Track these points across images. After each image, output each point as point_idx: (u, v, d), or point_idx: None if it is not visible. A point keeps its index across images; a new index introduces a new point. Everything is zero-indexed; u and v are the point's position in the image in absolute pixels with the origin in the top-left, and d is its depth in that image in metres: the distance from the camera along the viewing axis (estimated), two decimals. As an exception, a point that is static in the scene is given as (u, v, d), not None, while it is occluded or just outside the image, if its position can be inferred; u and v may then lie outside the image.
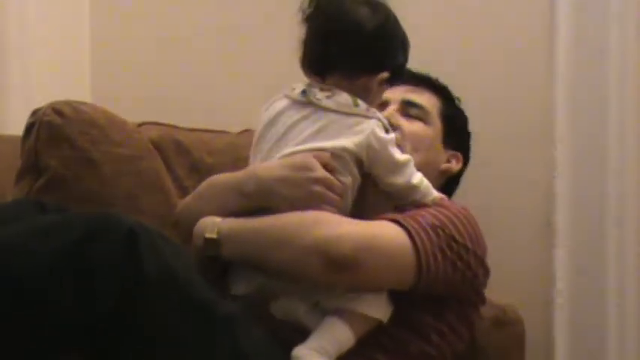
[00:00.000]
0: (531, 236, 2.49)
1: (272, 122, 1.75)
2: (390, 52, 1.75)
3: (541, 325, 2.43)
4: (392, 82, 1.79)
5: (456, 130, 2.04)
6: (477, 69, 2.50)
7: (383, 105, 1.95)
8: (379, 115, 1.74)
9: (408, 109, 1.97)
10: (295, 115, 1.72)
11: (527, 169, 2.50)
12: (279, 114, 1.74)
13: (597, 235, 2.42)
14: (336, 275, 1.60)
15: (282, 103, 1.75)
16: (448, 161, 2.02)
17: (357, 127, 1.70)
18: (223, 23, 2.61)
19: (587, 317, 2.43)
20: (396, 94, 1.98)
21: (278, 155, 1.71)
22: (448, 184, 2.03)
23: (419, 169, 1.77)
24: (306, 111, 1.72)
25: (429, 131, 1.97)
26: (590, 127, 2.43)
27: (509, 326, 2.22)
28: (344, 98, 1.71)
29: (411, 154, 1.79)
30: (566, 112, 2.43)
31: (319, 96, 1.71)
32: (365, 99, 1.73)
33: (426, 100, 2.00)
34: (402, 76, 1.81)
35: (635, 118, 2.41)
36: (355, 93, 1.73)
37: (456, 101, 2.08)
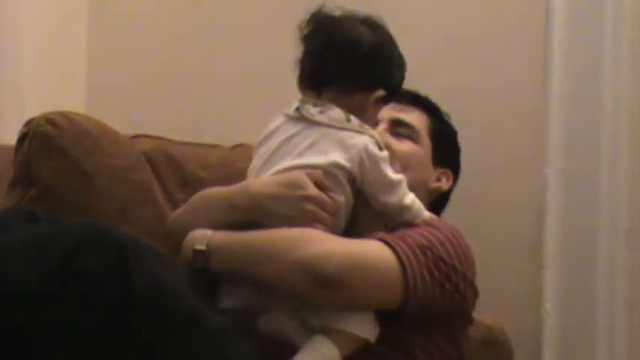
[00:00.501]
0: (520, 257, 2.49)
1: (267, 138, 1.77)
2: (387, 70, 1.77)
3: (529, 346, 2.43)
4: (388, 100, 1.80)
5: (445, 148, 2.04)
6: (469, 90, 2.51)
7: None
8: (372, 131, 1.75)
9: (397, 128, 1.97)
10: (289, 130, 1.73)
11: (517, 190, 2.51)
12: (275, 130, 1.76)
13: (587, 256, 2.43)
14: (323, 292, 1.61)
15: (278, 120, 1.77)
16: (438, 179, 2.02)
17: (349, 141, 1.71)
18: (218, 38, 2.62)
19: (576, 338, 2.43)
20: (384, 112, 1.97)
21: (271, 171, 1.72)
22: (438, 201, 2.03)
23: (409, 189, 1.77)
24: (299, 126, 1.73)
25: (418, 150, 1.97)
26: (582, 149, 2.44)
27: (497, 347, 2.21)
28: (336, 113, 1.72)
29: (400, 173, 1.80)
30: (558, 135, 2.44)
31: (312, 111, 1.73)
32: (360, 116, 1.74)
33: (415, 118, 2.00)
34: (397, 95, 1.82)
35: (627, 140, 2.42)
36: (351, 110, 1.74)
37: (445, 118, 2.08)
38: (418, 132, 1.98)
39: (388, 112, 1.99)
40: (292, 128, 1.73)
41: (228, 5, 2.63)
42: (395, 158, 1.87)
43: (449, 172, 2.04)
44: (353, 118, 1.73)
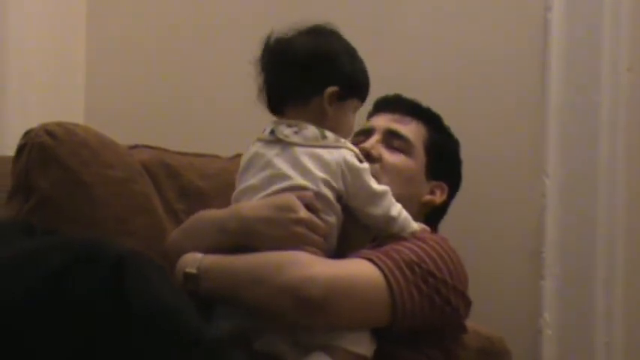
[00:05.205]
0: (519, 267, 2.49)
1: (249, 164, 1.76)
2: (329, 66, 1.76)
3: (528, 357, 2.43)
4: (347, 94, 1.78)
5: (442, 160, 2.02)
6: (468, 100, 2.51)
7: (367, 133, 1.96)
8: (350, 145, 1.75)
9: (391, 140, 1.96)
10: (268, 154, 1.73)
11: (515, 200, 2.50)
12: (254, 156, 1.76)
13: (585, 266, 2.43)
14: (308, 316, 1.61)
15: (255, 146, 1.77)
16: (432, 192, 2.00)
17: (326, 157, 1.71)
18: (217, 48, 2.62)
19: (575, 348, 2.43)
20: (381, 122, 1.98)
21: (260, 195, 1.72)
22: (434, 213, 2.01)
23: (398, 202, 1.77)
24: (277, 149, 1.73)
25: (410, 163, 1.95)
26: (580, 158, 2.44)
27: (496, 357, 2.21)
28: (311, 132, 1.72)
29: (389, 186, 1.80)
30: (556, 144, 2.44)
31: (287, 132, 1.73)
32: (324, 123, 1.74)
33: (411, 130, 1.98)
34: (357, 86, 1.80)
35: (625, 149, 2.43)
36: (314, 119, 1.74)
37: (446, 129, 2.06)
38: (412, 145, 1.96)
39: (385, 121, 1.99)
40: (270, 152, 1.73)
41: (226, 16, 2.63)
42: (385, 171, 1.87)
43: (444, 185, 2.01)
44: (328, 133, 1.73)
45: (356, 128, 1.91)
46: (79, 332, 1.32)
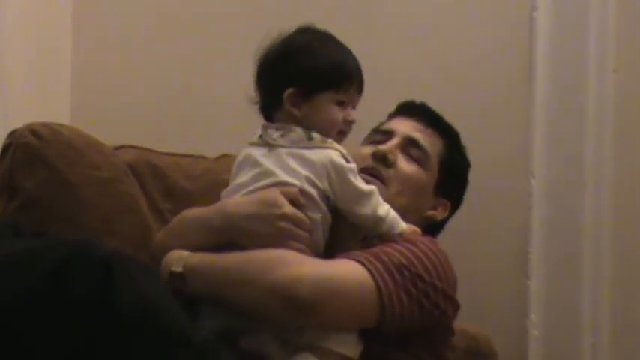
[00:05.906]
0: (506, 267, 2.50)
1: (239, 167, 1.78)
2: (281, 69, 1.77)
3: (515, 357, 2.44)
4: (313, 90, 1.76)
5: (451, 180, 1.99)
6: (455, 101, 2.50)
7: (387, 134, 1.94)
8: (337, 145, 1.74)
9: (409, 148, 1.92)
10: (256, 156, 1.75)
11: (502, 200, 2.51)
12: (245, 158, 1.77)
13: (572, 266, 2.43)
14: (296, 316, 1.61)
15: (246, 150, 1.78)
16: (434, 208, 1.97)
17: (312, 157, 1.72)
18: (203, 49, 2.62)
19: (562, 349, 2.44)
20: (402, 127, 1.95)
21: (245, 191, 1.73)
22: (431, 229, 1.96)
23: (401, 212, 1.77)
24: (264, 151, 1.74)
25: (423, 176, 1.92)
26: (566, 159, 2.44)
27: (483, 357, 2.22)
28: (297, 134, 1.74)
29: (397, 195, 1.80)
30: (543, 144, 2.45)
31: (274, 135, 1.74)
32: (300, 124, 1.74)
33: (430, 143, 1.95)
34: (323, 79, 1.77)
35: (612, 150, 2.43)
36: (290, 121, 1.75)
37: (462, 149, 2.03)
38: (430, 158, 1.93)
39: (407, 127, 1.96)
40: (258, 154, 1.75)
41: (212, 16, 2.63)
42: (397, 178, 1.87)
43: (447, 203, 1.99)
44: (315, 135, 1.74)
45: (362, 122, 1.89)
46: (79, 332, 1.32)
